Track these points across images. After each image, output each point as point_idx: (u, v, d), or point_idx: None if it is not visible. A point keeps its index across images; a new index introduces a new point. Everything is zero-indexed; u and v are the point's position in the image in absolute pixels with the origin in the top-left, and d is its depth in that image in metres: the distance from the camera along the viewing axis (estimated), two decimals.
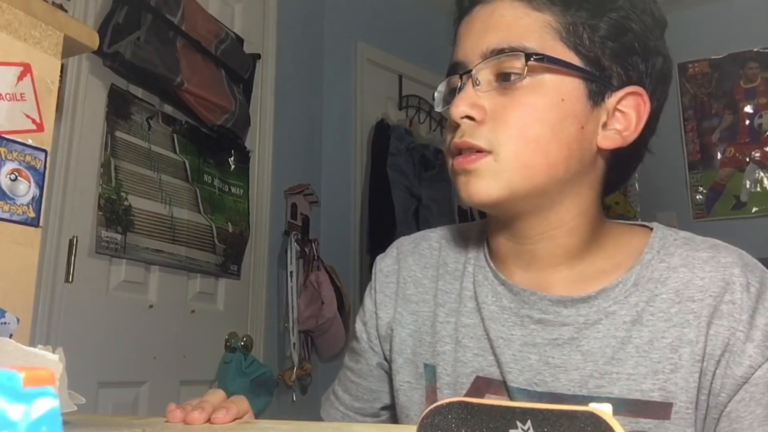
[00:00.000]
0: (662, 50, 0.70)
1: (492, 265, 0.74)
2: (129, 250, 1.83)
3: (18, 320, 0.57)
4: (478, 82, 0.67)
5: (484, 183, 0.66)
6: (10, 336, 0.56)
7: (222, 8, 2.33)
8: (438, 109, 0.74)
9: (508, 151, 0.65)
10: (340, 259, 2.73)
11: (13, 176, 0.57)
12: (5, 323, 0.56)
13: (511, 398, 0.70)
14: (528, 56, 0.64)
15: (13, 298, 0.57)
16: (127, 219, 1.83)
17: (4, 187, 0.56)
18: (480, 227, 0.80)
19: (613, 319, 0.67)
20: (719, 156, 3.28)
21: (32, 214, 0.59)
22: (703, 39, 3.30)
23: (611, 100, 0.67)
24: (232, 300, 2.24)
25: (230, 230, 2.20)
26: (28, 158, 0.59)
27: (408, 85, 3.21)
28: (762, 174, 3.18)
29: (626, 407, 0.64)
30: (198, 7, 2.13)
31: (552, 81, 0.65)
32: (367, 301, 0.84)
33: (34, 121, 0.60)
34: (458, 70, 0.69)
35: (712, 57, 3.35)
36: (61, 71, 0.66)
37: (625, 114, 0.68)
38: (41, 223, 0.60)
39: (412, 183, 2.93)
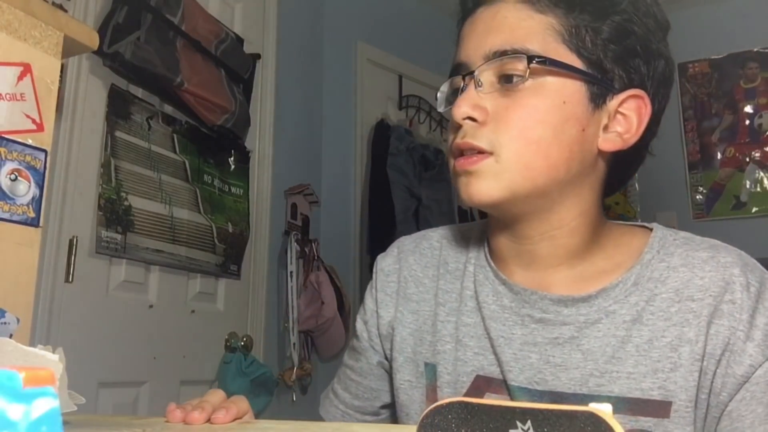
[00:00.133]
0: (664, 53, 0.70)
1: (493, 264, 0.75)
2: (129, 250, 1.83)
3: (18, 320, 0.57)
4: (480, 83, 0.67)
5: (485, 184, 0.66)
6: (10, 336, 0.56)
7: (222, 8, 2.33)
8: (440, 109, 0.75)
9: (509, 153, 0.65)
10: (340, 259, 2.73)
11: (13, 176, 0.57)
12: (5, 323, 0.56)
13: (512, 397, 0.70)
14: (530, 58, 0.64)
15: (13, 298, 0.57)
16: (127, 219, 1.83)
17: (4, 187, 0.56)
18: (481, 227, 0.80)
19: (613, 319, 0.67)
20: (719, 156, 3.28)
21: (32, 214, 0.59)
22: (703, 39, 3.30)
23: (613, 103, 0.68)
24: (232, 300, 2.24)
25: (230, 230, 2.20)
26: (28, 158, 0.59)
27: (408, 85, 3.21)
28: (762, 174, 3.18)
29: (626, 406, 0.65)
30: (198, 7, 2.13)
31: (554, 83, 0.66)
32: (368, 300, 0.85)
33: (34, 121, 0.60)
34: (461, 71, 0.70)
35: (712, 57, 3.35)
36: (61, 71, 0.66)
37: (627, 117, 0.68)
38: (41, 223, 0.60)
39: (412, 183, 2.93)
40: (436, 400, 0.74)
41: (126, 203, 1.83)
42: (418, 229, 0.90)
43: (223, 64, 2.19)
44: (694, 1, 3.28)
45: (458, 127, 0.68)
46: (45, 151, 0.60)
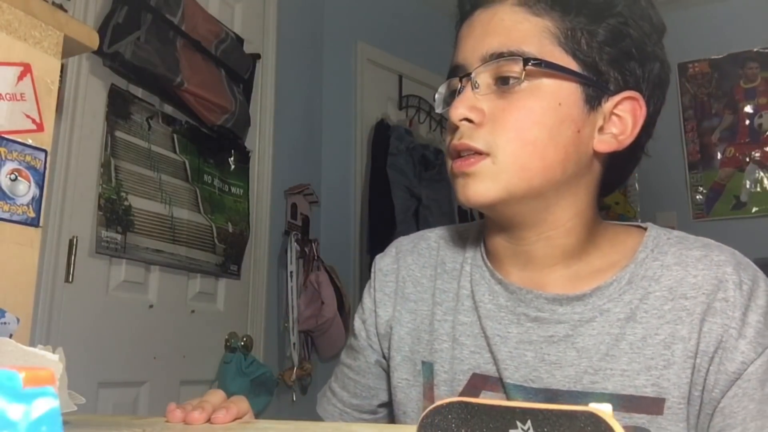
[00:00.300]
0: (660, 55, 0.71)
1: (489, 264, 0.76)
2: (129, 250, 1.83)
3: (18, 320, 0.57)
4: (477, 85, 0.68)
5: (481, 185, 0.67)
6: (10, 336, 0.56)
7: (222, 8, 2.33)
8: (438, 110, 0.76)
9: (506, 154, 0.66)
10: (340, 259, 2.73)
11: (13, 176, 0.57)
12: (5, 323, 0.56)
13: (507, 394, 0.71)
14: (526, 61, 0.65)
15: (13, 298, 0.57)
16: (127, 219, 1.83)
17: (4, 187, 0.56)
18: (478, 227, 0.81)
19: (607, 317, 0.68)
20: (719, 156, 3.28)
21: (32, 214, 0.59)
22: (703, 39, 3.30)
23: (608, 105, 0.68)
24: (232, 300, 2.24)
25: (230, 230, 2.20)
26: (28, 158, 0.59)
27: (408, 85, 3.22)
28: (762, 174, 3.18)
29: (620, 403, 0.66)
30: (198, 7, 2.13)
31: (550, 85, 0.66)
32: (366, 300, 0.85)
33: (34, 121, 0.60)
34: (458, 73, 0.71)
35: (712, 57, 3.35)
36: (61, 71, 0.66)
37: (622, 118, 0.69)
38: (41, 223, 0.60)
39: (412, 183, 2.93)
40: (433, 399, 0.75)
41: (126, 203, 1.83)
42: (418, 229, 0.91)
43: (223, 64, 2.19)
44: (694, 1, 3.28)
45: (455, 128, 0.69)
46: (45, 151, 0.60)
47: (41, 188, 0.60)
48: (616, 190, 0.79)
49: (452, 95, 0.71)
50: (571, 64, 0.67)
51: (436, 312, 0.78)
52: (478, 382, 0.73)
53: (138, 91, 1.97)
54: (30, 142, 0.59)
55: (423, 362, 0.77)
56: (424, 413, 0.36)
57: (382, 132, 2.96)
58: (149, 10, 1.90)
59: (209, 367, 2.11)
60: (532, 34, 0.67)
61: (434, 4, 3.24)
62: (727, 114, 3.29)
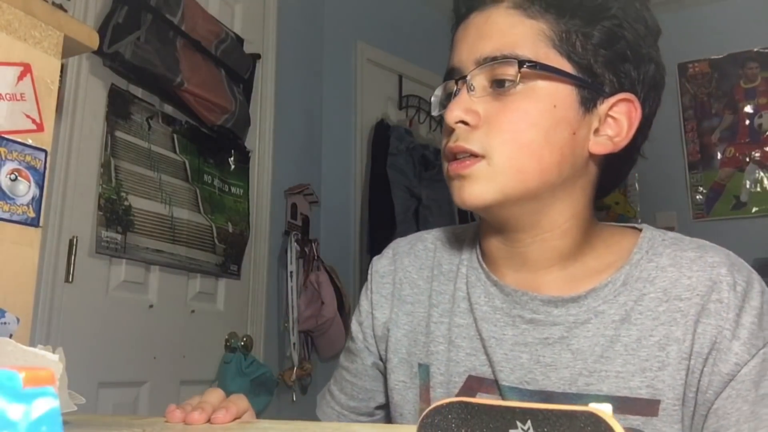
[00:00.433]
0: (655, 57, 0.71)
1: (484, 266, 0.76)
2: (129, 250, 1.83)
3: (18, 320, 0.57)
4: (472, 87, 0.68)
5: (477, 187, 0.67)
6: (10, 336, 0.56)
7: (222, 8, 2.33)
8: (434, 113, 0.76)
9: (501, 156, 0.66)
10: (340, 259, 2.73)
11: (13, 176, 0.57)
12: (5, 323, 0.56)
13: (503, 396, 0.71)
14: (521, 63, 0.66)
15: (13, 298, 0.57)
16: (127, 219, 1.83)
17: (4, 187, 0.56)
18: (474, 229, 0.81)
19: (602, 318, 0.68)
20: (719, 156, 3.28)
21: (32, 214, 0.59)
22: (703, 39, 3.30)
23: (603, 107, 0.69)
24: (232, 300, 2.24)
25: (230, 230, 2.20)
26: (28, 158, 0.59)
27: (408, 85, 3.22)
28: (762, 174, 3.18)
29: (615, 404, 0.66)
30: (198, 7, 2.13)
31: (545, 87, 0.67)
32: (363, 302, 0.86)
33: (34, 121, 0.60)
34: (454, 76, 0.71)
35: (712, 57, 3.35)
36: (61, 71, 0.66)
37: (617, 120, 0.69)
38: (41, 223, 0.60)
39: (412, 183, 2.93)
40: (429, 401, 0.75)
41: (126, 203, 1.83)
42: (419, 229, 0.91)
43: (223, 64, 2.19)
44: (694, 1, 3.28)
45: (451, 130, 0.70)
46: (45, 151, 0.60)
47: (41, 188, 0.60)
48: (612, 191, 0.79)
49: (448, 98, 0.72)
50: (566, 67, 0.67)
51: (432, 314, 0.78)
52: (473, 384, 0.73)
53: (138, 91, 1.97)
54: (30, 142, 0.59)
55: (419, 364, 0.77)
56: (425, 413, 0.36)
57: (382, 132, 2.96)
58: (149, 10, 1.90)
59: (209, 367, 2.11)
60: (527, 36, 0.67)
61: (434, 4, 3.24)
62: (727, 114, 3.29)
